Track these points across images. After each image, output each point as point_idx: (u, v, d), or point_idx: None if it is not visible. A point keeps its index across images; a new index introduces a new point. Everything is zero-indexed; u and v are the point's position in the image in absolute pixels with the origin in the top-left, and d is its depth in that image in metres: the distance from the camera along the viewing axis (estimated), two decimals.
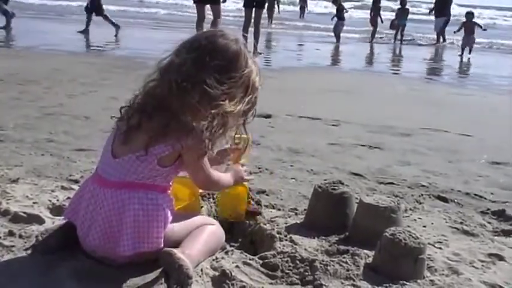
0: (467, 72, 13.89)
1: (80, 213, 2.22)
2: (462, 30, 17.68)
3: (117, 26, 16.22)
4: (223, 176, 2.43)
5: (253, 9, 13.32)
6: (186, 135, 2.10)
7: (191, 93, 2.11)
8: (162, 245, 2.14)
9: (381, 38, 21.99)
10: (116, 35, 15.69)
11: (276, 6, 24.65)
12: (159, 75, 2.21)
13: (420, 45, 21.03)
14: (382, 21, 21.31)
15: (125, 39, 15.19)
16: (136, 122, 2.16)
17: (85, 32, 15.63)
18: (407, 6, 22.48)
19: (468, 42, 17.10)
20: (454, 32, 18.49)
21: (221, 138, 2.25)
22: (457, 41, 19.18)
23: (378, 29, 21.27)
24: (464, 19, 18.54)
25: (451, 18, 21.86)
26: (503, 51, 20.36)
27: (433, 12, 21.79)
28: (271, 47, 15.72)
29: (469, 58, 16.12)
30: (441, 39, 21.47)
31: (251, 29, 13.07)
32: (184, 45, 2.24)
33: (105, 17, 16.47)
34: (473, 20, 18.41)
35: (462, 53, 16.65)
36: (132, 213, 2.10)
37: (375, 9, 21.59)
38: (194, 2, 12.42)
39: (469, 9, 20.52)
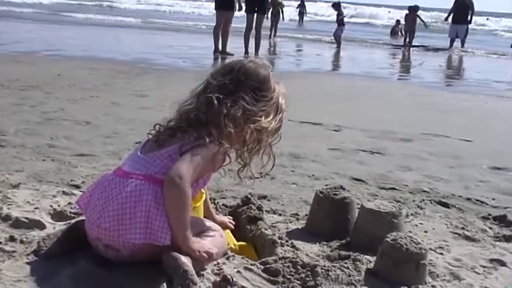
0: (468, 77, 13.89)
1: (92, 200, 2.26)
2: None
3: None
4: (189, 209, 2.25)
5: (255, 14, 13.37)
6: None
7: (233, 107, 2.27)
8: (170, 243, 2.14)
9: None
10: None
11: (280, 13, 22.73)
12: (194, 98, 2.34)
13: (433, 50, 20.96)
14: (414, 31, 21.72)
15: (127, 44, 15.22)
16: (171, 133, 2.29)
17: None
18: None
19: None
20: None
21: (257, 153, 2.39)
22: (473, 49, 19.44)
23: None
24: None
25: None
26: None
27: (451, 18, 21.56)
28: (271, 52, 15.72)
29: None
30: (459, 46, 21.46)
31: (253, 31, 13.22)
32: (217, 71, 2.40)
33: None
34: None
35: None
36: (144, 203, 2.13)
37: (410, 18, 21.69)
38: (215, 9, 13.55)
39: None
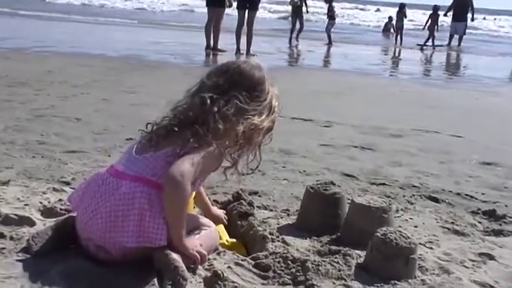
0: (459, 73, 13.95)
1: (85, 199, 2.25)
2: None
3: None
4: (186, 207, 2.27)
5: (246, 10, 13.36)
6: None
7: (226, 106, 2.29)
8: (165, 243, 2.14)
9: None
10: None
11: (304, 5, 19.51)
12: (189, 98, 2.37)
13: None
14: (437, 30, 21.63)
15: (117, 40, 15.16)
16: (165, 133, 2.30)
17: None
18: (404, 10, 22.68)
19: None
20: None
21: (247, 152, 2.42)
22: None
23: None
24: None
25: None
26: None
27: (451, 16, 21.56)
28: (266, 51, 15.68)
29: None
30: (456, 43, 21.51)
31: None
32: (212, 71, 2.44)
33: None
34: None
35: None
36: (137, 206, 2.13)
37: (434, 16, 21.62)
38: (206, 5, 13.57)
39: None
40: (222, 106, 2.29)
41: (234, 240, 2.69)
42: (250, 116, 2.34)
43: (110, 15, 26.10)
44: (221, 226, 2.74)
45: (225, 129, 2.27)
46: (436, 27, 21.47)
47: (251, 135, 2.36)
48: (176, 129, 2.27)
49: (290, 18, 20.38)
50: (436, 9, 21.83)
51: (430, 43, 21.01)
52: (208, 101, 2.29)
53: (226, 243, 2.61)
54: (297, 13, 19.54)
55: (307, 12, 20.93)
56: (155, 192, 2.16)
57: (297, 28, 19.37)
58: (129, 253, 2.16)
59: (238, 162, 2.41)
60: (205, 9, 13.78)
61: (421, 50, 20.14)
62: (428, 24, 21.62)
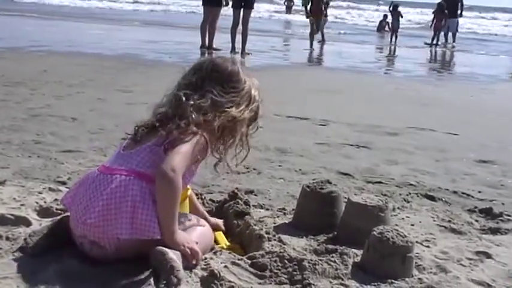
0: (454, 71, 13.97)
1: (77, 197, 2.27)
2: None
3: None
4: (177, 210, 2.25)
5: (241, 9, 13.34)
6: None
7: (201, 99, 2.35)
8: (159, 236, 2.14)
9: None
10: None
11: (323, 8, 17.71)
12: (167, 99, 2.43)
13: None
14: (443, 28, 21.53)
15: (113, 39, 15.13)
16: (148, 129, 2.36)
17: None
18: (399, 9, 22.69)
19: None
20: None
21: (232, 145, 2.47)
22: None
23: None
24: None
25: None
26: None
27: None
28: (264, 50, 15.63)
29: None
30: (450, 41, 21.53)
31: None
32: (187, 71, 2.50)
33: None
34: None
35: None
36: (130, 198, 2.15)
37: (440, 15, 21.50)
38: (202, 4, 13.58)
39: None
40: (196, 99, 2.35)
41: (234, 245, 2.68)
42: (226, 109, 2.38)
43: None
44: (220, 233, 2.74)
45: (204, 121, 2.32)
46: (442, 25, 21.30)
47: (233, 127, 2.41)
48: (158, 124, 2.33)
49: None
50: (441, 7, 21.47)
51: (434, 41, 21.04)
52: (184, 98, 2.35)
53: (225, 247, 2.60)
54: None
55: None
56: (146, 184, 2.20)
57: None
58: (123, 247, 2.17)
59: (225, 155, 2.47)
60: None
61: (430, 47, 20.29)
62: (434, 23, 21.55)
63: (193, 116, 2.30)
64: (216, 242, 2.57)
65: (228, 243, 2.65)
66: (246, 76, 2.49)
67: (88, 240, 2.20)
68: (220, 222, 2.81)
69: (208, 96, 2.36)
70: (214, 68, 2.44)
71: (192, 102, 2.33)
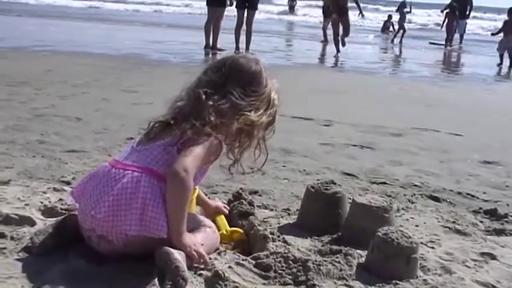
0: (458, 71, 13.94)
1: (87, 190, 2.27)
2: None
3: None
4: (186, 207, 2.25)
5: (246, 10, 13.35)
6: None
7: (221, 101, 2.32)
8: (165, 235, 2.14)
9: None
10: None
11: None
12: (186, 94, 2.39)
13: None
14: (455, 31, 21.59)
15: (118, 39, 15.14)
16: (162, 126, 2.33)
17: None
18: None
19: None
20: None
21: (248, 148, 2.44)
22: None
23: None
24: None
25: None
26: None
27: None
28: (268, 50, 15.63)
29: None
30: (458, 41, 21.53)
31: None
32: (209, 67, 2.46)
33: None
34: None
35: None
36: (141, 195, 2.15)
37: (452, 16, 21.45)
38: (206, 5, 13.54)
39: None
40: (217, 100, 2.31)
41: (234, 228, 2.68)
42: (246, 112, 2.35)
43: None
44: (222, 217, 2.75)
45: (221, 123, 2.29)
46: (454, 26, 21.23)
47: (250, 131, 2.38)
48: (172, 122, 2.30)
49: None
50: (453, 8, 21.31)
51: (443, 42, 21.04)
52: (203, 96, 2.31)
53: (226, 232, 2.61)
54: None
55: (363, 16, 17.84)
56: (157, 182, 2.19)
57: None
58: (130, 243, 2.17)
59: (240, 158, 2.43)
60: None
61: (445, 47, 20.36)
62: (445, 23, 21.49)
63: (211, 117, 2.27)
64: (216, 226, 2.57)
65: (229, 228, 2.66)
66: (268, 78, 2.46)
67: (96, 235, 2.20)
68: (220, 204, 2.82)
69: (228, 98, 2.33)
70: (238, 67, 2.40)
71: (211, 103, 2.30)
